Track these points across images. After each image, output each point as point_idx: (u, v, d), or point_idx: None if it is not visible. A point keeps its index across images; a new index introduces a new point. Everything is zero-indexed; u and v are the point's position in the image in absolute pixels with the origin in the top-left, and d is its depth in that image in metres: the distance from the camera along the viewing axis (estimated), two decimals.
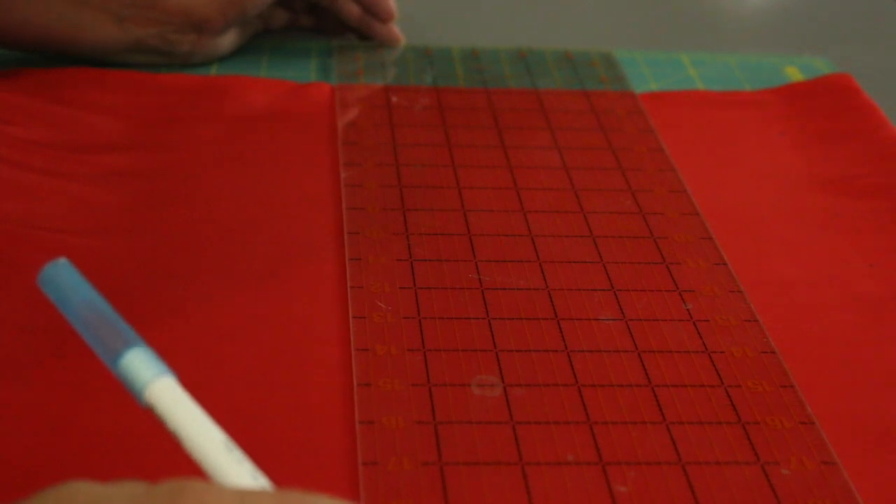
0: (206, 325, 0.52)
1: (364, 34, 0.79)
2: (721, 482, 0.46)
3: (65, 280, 0.37)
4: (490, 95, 0.73)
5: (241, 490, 0.33)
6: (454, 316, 0.54)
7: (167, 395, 0.36)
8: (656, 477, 0.46)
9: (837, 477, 0.46)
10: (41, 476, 0.44)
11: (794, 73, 0.78)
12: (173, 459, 0.45)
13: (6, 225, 0.57)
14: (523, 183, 0.64)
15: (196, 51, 0.73)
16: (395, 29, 0.79)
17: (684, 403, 0.49)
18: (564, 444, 0.47)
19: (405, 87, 0.73)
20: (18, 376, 0.48)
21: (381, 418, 0.47)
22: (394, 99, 0.72)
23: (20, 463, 0.44)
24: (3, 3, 0.67)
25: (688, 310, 0.55)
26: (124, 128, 0.66)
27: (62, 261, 0.38)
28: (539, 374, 0.50)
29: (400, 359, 0.51)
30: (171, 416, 0.36)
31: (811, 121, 0.72)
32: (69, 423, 0.46)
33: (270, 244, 0.58)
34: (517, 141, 0.68)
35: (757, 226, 0.62)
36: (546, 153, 0.67)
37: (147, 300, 0.53)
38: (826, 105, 0.73)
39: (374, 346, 0.51)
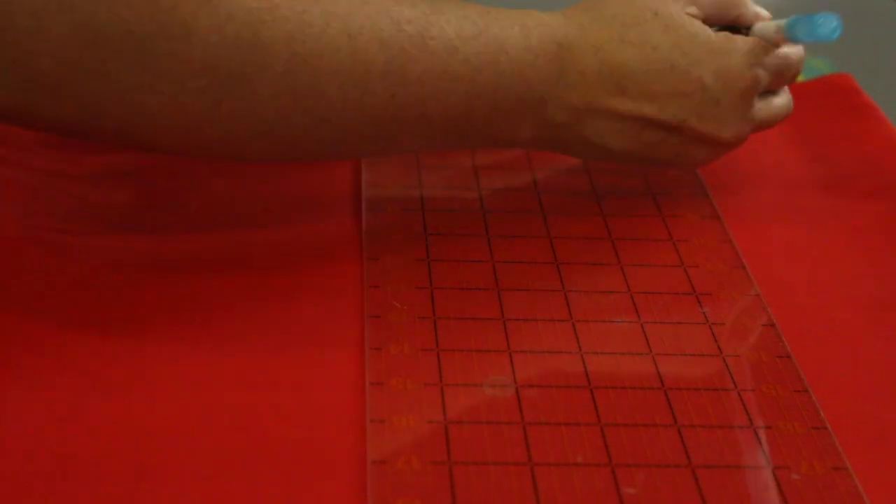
0: (213, 324, 0.53)
1: None
2: (730, 486, 0.45)
3: None
4: None
5: None
6: (469, 316, 0.54)
7: None
8: (665, 479, 0.45)
9: (847, 482, 0.46)
10: (41, 476, 0.44)
11: None
12: (174, 459, 0.45)
13: (6, 225, 0.57)
14: (543, 186, 0.64)
15: None
16: None
17: (696, 407, 0.49)
18: (574, 445, 0.47)
19: None
20: (18, 376, 0.49)
21: (392, 417, 0.47)
22: None
23: (20, 462, 0.45)
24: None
25: (704, 313, 0.55)
26: None
27: None
28: (552, 375, 0.50)
29: (413, 358, 0.51)
30: None
31: (811, 121, 0.72)
32: (69, 422, 0.47)
33: (276, 243, 0.58)
34: None
35: (756, 226, 0.62)
36: None
37: (149, 299, 0.54)
38: (826, 105, 0.73)
39: (387, 346, 0.51)
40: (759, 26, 0.60)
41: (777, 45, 0.59)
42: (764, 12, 0.61)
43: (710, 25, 0.59)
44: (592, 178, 0.65)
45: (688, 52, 0.57)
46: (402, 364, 0.50)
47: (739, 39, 0.59)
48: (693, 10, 0.58)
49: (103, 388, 0.48)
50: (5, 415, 0.47)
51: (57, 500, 0.43)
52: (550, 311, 0.54)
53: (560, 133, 0.58)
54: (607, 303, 0.55)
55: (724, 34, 0.59)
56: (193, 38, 0.47)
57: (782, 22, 0.59)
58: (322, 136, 0.52)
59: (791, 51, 0.60)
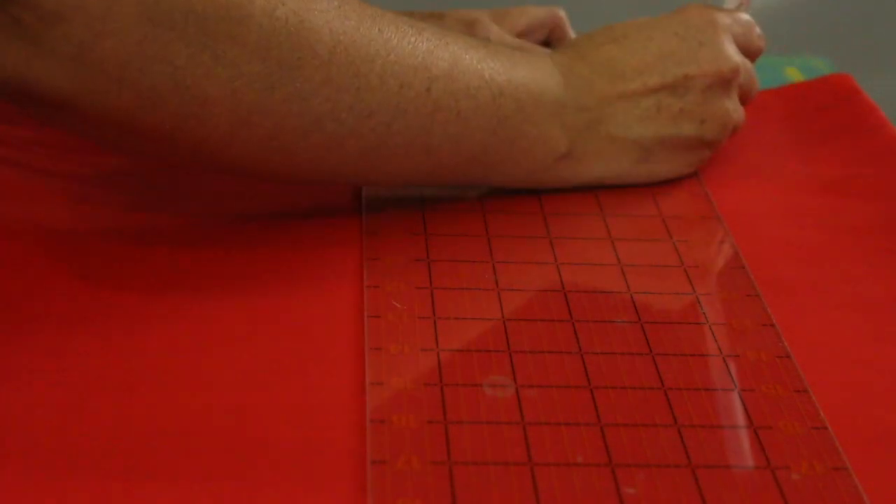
0: (213, 324, 0.53)
1: None
2: (730, 486, 0.45)
3: None
4: None
5: None
6: (469, 316, 0.54)
7: None
8: (665, 479, 0.45)
9: (847, 482, 0.46)
10: (41, 476, 0.44)
11: (794, 74, 0.79)
12: (174, 458, 0.45)
13: (6, 225, 0.58)
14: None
15: None
16: None
17: (696, 407, 0.49)
18: (574, 445, 0.47)
19: None
20: (18, 376, 0.49)
21: (392, 417, 0.47)
22: None
23: (20, 462, 0.45)
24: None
25: (704, 313, 0.55)
26: None
27: None
28: (551, 375, 0.50)
29: (413, 358, 0.51)
30: None
31: (811, 121, 0.72)
32: (69, 422, 0.47)
33: (276, 242, 0.58)
34: None
35: (756, 226, 0.62)
36: None
37: (149, 298, 0.54)
38: (826, 105, 0.73)
39: (387, 346, 0.51)
40: None
41: None
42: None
43: None
44: None
45: (654, 24, 0.64)
46: (402, 364, 0.50)
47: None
48: None
49: (103, 388, 0.48)
50: (5, 415, 0.47)
51: (57, 500, 0.43)
52: (550, 311, 0.54)
53: (590, 139, 0.61)
54: (607, 303, 0.55)
55: None
56: (249, 21, 0.49)
57: None
58: (366, 134, 0.54)
59: None
